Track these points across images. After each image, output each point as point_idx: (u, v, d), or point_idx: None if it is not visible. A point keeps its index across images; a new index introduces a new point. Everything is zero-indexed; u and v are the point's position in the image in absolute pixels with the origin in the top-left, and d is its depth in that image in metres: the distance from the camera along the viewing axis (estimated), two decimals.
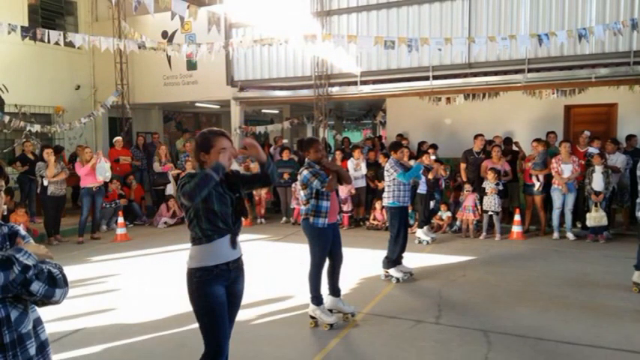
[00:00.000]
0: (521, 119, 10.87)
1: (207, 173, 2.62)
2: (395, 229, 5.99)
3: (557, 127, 10.20)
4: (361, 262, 6.79)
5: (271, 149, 12.07)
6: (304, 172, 4.53)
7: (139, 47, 10.33)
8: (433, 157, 8.47)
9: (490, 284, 5.85)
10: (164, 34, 12.28)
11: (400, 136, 10.77)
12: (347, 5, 10.43)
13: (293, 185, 9.68)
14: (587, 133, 9.02)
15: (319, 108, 10.88)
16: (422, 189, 8.39)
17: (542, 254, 7.27)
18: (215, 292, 2.76)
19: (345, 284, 5.26)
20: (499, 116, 10.86)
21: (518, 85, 9.33)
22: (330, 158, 9.28)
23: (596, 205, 7.77)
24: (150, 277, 6.50)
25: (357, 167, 9.46)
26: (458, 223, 8.86)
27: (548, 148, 8.77)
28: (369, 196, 9.86)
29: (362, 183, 9.60)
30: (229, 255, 2.81)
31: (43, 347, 1.85)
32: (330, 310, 4.68)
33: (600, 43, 8.60)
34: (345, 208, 9.47)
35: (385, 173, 6.13)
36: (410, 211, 7.55)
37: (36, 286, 1.68)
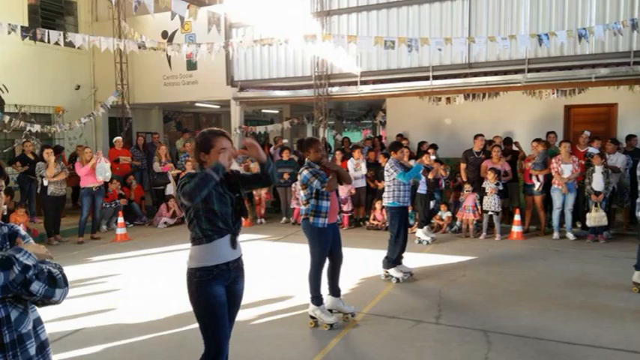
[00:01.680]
0: (521, 119, 10.87)
1: (207, 173, 2.62)
2: (395, 229, 5.99)
3: (557, 127, 10.20)
4: (361, 262, 6.79)
5: (271, 149, 12.07)
6: (304, 173, 4.53)
7: (139, 47, 10.33)
8: (433, 157, 8.46)
9: (490, 284, 5.85)
10: (164, 34, 12.28)
11: (400, 136, 10.77)
12: (347, 5, 10.43)
13: (293, 185, 9.68)
14: (587, 133, 9.02)
15: (319, 108, 10.87)
16: (422, 189, 8.39)
17: (542, 254, 7.27)
18: (215, 292, 2.76)
19: (345, 284, 5.26)
20: (499, 116, 10.86)
21: (518, 85, 9.33)
22: (330, 158, 9.29)
23: (596, 205, 7.77)
24: (150, 277, 6.50)
25: (357, 167, 9.46)
26: (458, 223, 8.86)
27: (548, 148, 8.77)
28: (369, 196, 9.86)
29: (362, 183, 9.60)
30: (229, 255, 2.81)
31: (43, 347, 1.85)
32: (330, 310, 4.68)
33: (600, 43, 8.60)
34: (345, 208, 9.47)
35: (385, 173, 6.13)
36: (410, 211, 7.54)
37: (36, 286, 1.68)
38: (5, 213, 7.55)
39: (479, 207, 8.45)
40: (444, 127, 11.59)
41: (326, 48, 9.51)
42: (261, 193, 10.36)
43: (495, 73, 9.42)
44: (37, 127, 10.77)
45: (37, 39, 8.84)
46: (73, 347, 4.25)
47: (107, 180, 9.16)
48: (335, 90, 10.70)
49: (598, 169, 7.88)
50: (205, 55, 9.72)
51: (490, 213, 8.36)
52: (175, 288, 5.51)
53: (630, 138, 8.92)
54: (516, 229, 8.35)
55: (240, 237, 2.90)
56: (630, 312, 4.82)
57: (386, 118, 13.04)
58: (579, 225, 8.62)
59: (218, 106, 14.65)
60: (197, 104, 13.73)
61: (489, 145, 9.17)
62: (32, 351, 1.77)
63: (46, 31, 8.88)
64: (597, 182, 7.86)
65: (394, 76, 10.20)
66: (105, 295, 5.80)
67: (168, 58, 12.01)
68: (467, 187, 8.66)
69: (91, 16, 13.38)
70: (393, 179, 5.95)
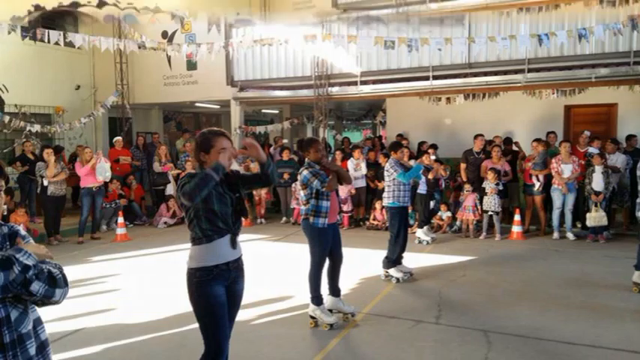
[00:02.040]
0: (521, 119, 10.86)
1: (207, 173, 2.62)
2: (395, 229, 5.99)
3: (557, 127, 10.20)
4: (361, 262, 6.80)
5: (271, 149, 12.07)
6: (304, 173, 4.54)
7: (139, 47, 10.31)
8: (433, 157, 8.46)
9: (490, 284, 5.85)
10: (164, 34, 12.28)
11: (400, 136, 10.76)
12: None
13: (293, 185, 9.68)
14: (587, 133, 9.02)
15: (319, 108, 10.87)
16: (422, 189, 8.39)
17: (542, 254, 7.27)
18: (215, 292, 2.76)
19: (345, 284, 5.26)
20: (499, 116, 10.86)
21: (518, 85, 9.32)
22: (330, 158, 9.29)
23: (596, 205, 7.77)
24: (150, 277, 6.50)
25: (357, 167, 9.46)
26: (458, 223, 8.86)
27: (548, 148, 8.77)
28: (369, 196, 9.86)
29: (362, 183, 9.60)
30: (229, 255, 2.81)
31: (43, 347, 1.85)
32: (330, 310, 4.68)
33: (600, 43, 8.60)
34: (345, 208, 9.47)
35: (385, 173, 6.13)
36: (410, 211, 7.54)
37: (36, 286, 1.68)
38: (5, 213, 7.55)
39: (479, 207, 8.45)
40: (444, 127, 11.59)
41: (326, 48, 9.50)
42: (261, 193, 10.36)
43: (495, 73, 9.41)
44: (37, 127, 10.77)
45: (37, 39, 8.84)
46: (73, 347, 4.25)
47: (107, 180, 9.16)
48: (335, 90, 10.69)
49: (598, 169, 7.88)
50: (205, 55, 9.72)
51: (490, 213, 8.36)
52: (175, 288, 5.50)
53: (630, 138, 8.92)
54: (516, 229, 8.35)
55: (240, 237, 2.90)
56: (630, 312, 4.82)
57: (386, 118, 13.03)
58: (579, 225, 8.61)
59: (218, 106, 14.65)
60: (197, 104, 13.73)
61: (489, 145, 9.17)
62: (32, 351, 1.77)
63: (46, 31, 8.88)
64: (597, 182, 7.86)
65: (394, 76, 10.18)
66: (105, 295, 5.80)
67: (168, 58, 12.00)
68: (467, 187, 8.66)
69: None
70: (393, 179, 5.95)
